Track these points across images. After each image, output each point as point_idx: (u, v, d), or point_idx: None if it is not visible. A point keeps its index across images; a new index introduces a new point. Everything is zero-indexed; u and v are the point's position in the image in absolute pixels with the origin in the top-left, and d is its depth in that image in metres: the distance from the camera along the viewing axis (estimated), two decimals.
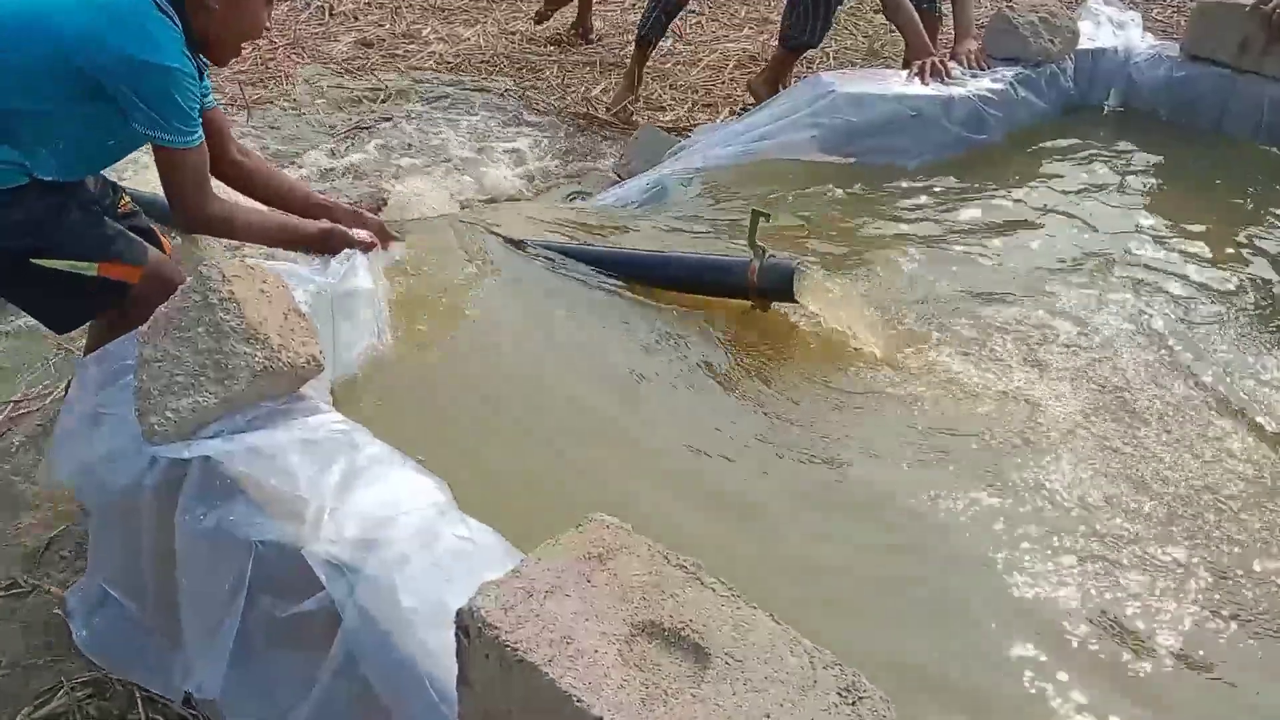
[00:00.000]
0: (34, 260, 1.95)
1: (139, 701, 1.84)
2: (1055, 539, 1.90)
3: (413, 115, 4.42)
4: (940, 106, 3.41)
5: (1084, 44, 3.83)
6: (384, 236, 2.33)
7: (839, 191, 3.08)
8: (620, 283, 2.52)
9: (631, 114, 4.47)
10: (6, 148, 1.90)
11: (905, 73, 3.54)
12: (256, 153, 2.60)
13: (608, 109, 4.49)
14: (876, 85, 3.43)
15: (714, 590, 1.15)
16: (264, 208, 2.26)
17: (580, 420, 2.10)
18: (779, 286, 2.33)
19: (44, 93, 1.87)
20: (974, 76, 3.57)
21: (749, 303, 2.43)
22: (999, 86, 3.57)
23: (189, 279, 1.70)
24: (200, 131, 1.95)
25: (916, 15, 3.66)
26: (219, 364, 1.63)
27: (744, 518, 1.92)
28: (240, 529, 1.49)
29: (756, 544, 1.86)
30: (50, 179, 1.96)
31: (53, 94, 1.87)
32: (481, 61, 5.12)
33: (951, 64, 3.56)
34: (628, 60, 4.67)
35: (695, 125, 4.37)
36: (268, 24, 2.08)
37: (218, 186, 2.11)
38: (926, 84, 3.42)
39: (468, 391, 2.16)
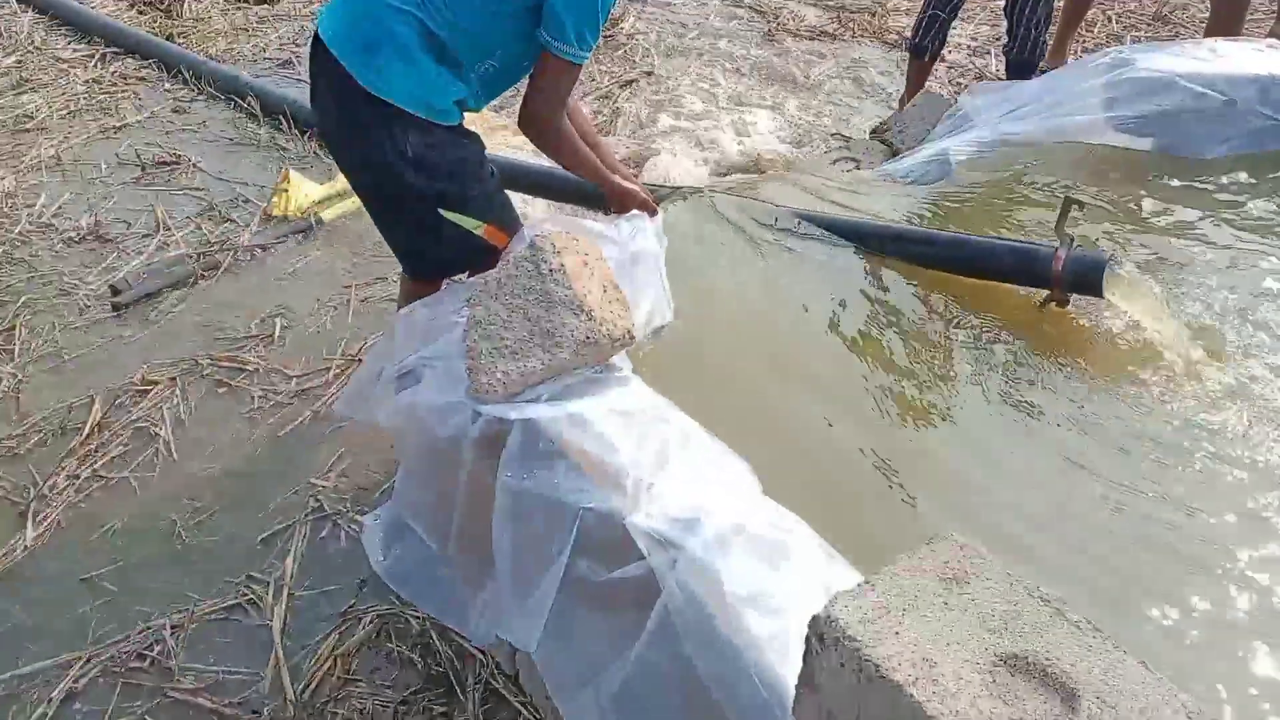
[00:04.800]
0: (441, 211, 2.06)
1: (433, 636, 1.96)
2: None
3: (674, 72, 4.42)
4: (1257, 90, 3.10)
5: None
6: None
7: (1139, 181, 2.87)
8: (900, 261, 2.45)
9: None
10: (450, 74, 2.00)
11: (1214, 45, 3.24)
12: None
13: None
14: (1182, 62, 3.15)
15: (1079, 628, 1.11)
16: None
17: (868, 413, 2.07)
18: (1088, 279, 2.20)
19: (505, 11, 1.97)
20: None
21: (1044, 294, 2.31)
22: None
23: (521, 247, 1.77)
24: (589, 54, 2.02)
25: None
26: (547, 332, 1.69)
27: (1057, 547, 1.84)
28: (565, 494, 1.55)
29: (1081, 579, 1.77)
30: (470, 109, 2.08)
31: (510, 11, 1.96)
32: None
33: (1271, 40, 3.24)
34: None
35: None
36: None
37: None
38: None
39: (751, 369, 2.17)
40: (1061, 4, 4.24)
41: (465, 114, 2.11)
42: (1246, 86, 3.09)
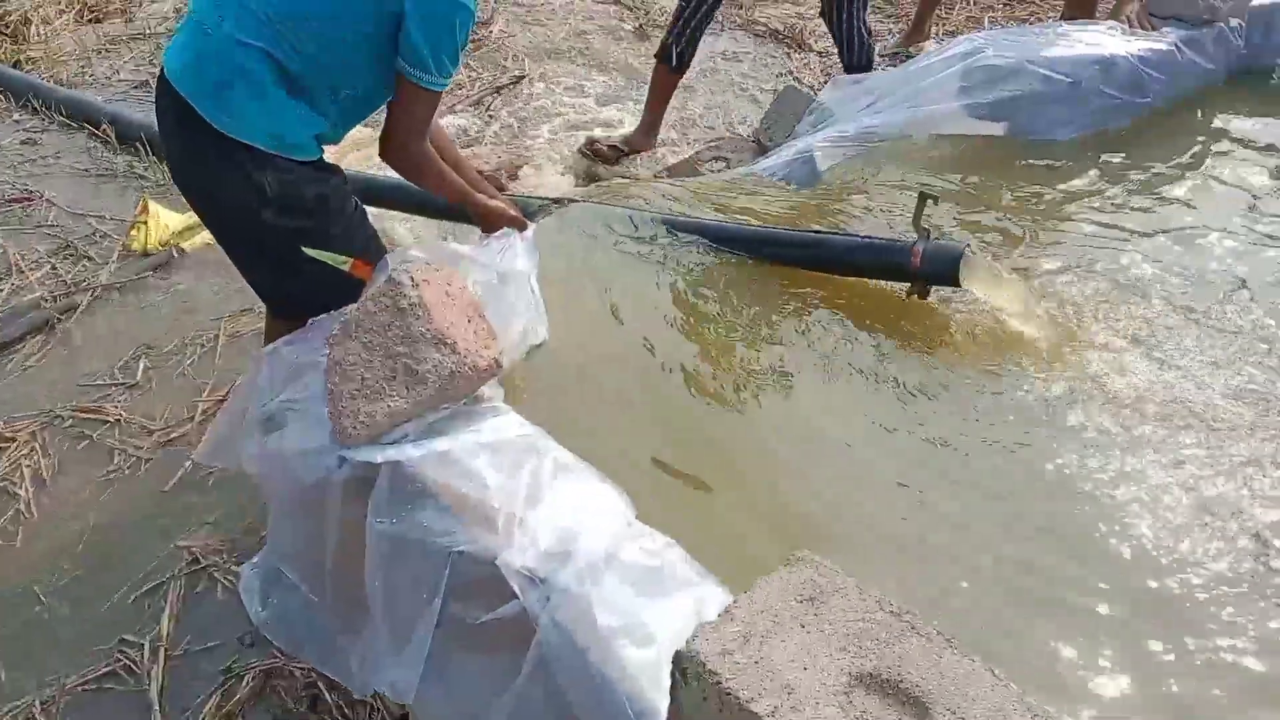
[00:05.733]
0: (303, 249, 1.99)
1: (320, 686, 1.92)
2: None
3: (545, 76, 4.39)
4: (1099, 70, 3.23)
5: (1258, 0, 3.58)
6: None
7: (993, 167, 2.97)
8: (769, 264, 2.48)
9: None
10: (306, 108, 1.94)
11: (1061, 29, 3.37)
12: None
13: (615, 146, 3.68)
14: (1031, 47, 3.26)
15: (929, 640, 1.14)
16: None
17: (744, 421, 2.10)
18: (944, 270, 2.27)
19: (356, 38, 1.90)
20: (1136, 38, 3.37)
21: (906, 287, 2.37)
22: (1162, 48, 3.37)
23: (379, 282, 1.73)
24: (450, 82, 1.98)
25: None
26: (408, 369, 1.66)
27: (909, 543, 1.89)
28: (435, 537, 1.53)
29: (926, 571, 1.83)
30: (329, 141, 2.03)
31: (362, 38, 1.90)
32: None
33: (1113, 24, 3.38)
34: None
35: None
36: None
37: None
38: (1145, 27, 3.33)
39: (621, 384, 2.17)
40: None
41: (325, 147, 2.06)
42: (1089, 67, 3.22)
